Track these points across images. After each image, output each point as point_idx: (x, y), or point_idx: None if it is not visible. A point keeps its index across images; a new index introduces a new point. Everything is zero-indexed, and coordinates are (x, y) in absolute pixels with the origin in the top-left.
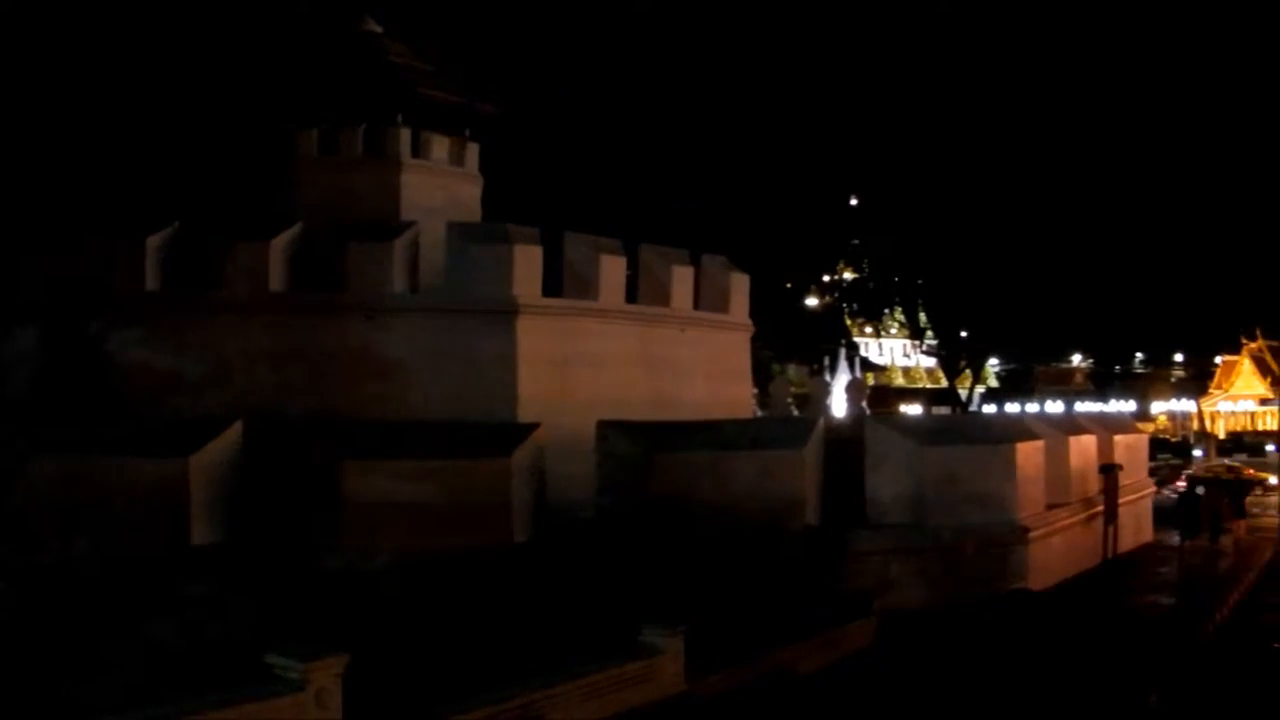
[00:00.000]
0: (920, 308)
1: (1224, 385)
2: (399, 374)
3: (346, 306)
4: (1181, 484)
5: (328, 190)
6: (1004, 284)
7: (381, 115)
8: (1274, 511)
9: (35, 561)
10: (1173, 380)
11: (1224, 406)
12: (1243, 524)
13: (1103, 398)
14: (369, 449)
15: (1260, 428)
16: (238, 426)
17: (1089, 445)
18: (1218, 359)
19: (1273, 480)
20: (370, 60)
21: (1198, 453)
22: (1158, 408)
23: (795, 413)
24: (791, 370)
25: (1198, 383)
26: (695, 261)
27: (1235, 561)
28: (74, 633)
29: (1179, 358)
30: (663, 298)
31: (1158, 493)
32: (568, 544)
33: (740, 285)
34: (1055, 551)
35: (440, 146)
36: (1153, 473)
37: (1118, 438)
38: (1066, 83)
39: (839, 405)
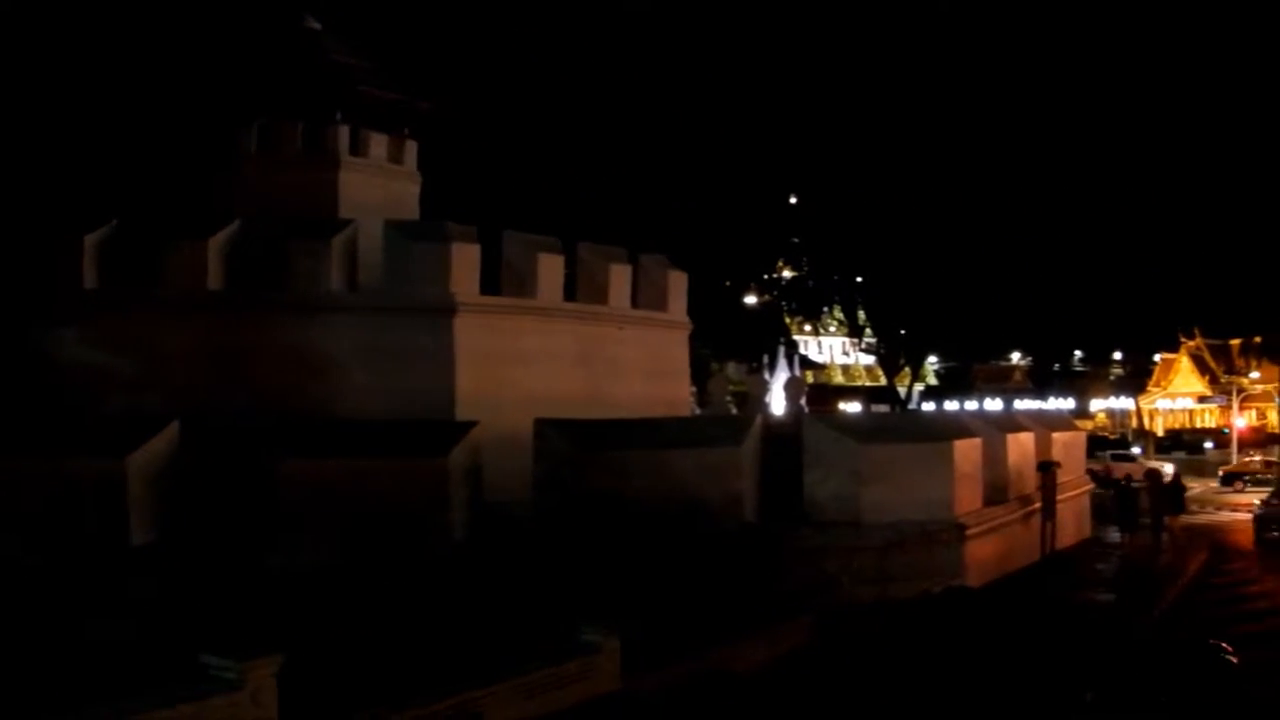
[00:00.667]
0: (859, 306)
1: (1163, 383)
2: (337, 372)
3: (285, 305)
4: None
5: (266, 188)
6: (943, 282)
7: (320, 113)
8: (1212, 508)
9: None
10: (1112, 378)
11: (1163, 404)
12: (1180, 520)
13: (1041, 395)
14: (307, 448)
15: (1199, 425)
16: (175, 426)
17: (1027, 443)
18: (1156, 357)
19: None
20: (309, 57)
21: (1136, 450)
22: (1097, 405)
23: (734, 411)
24: (731, 368)
25: (1136, 381)
26: (633, 260)
27: (1173, 557)
28: (10, 633)
29: (1118, 356)
30: (601, 296)
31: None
32: (505, 542)
33: (678, 283)
34: (993, 549)
35: (379, 144)
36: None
37: (1056, 435)
38: (1003, 81)
39: (778, 403)
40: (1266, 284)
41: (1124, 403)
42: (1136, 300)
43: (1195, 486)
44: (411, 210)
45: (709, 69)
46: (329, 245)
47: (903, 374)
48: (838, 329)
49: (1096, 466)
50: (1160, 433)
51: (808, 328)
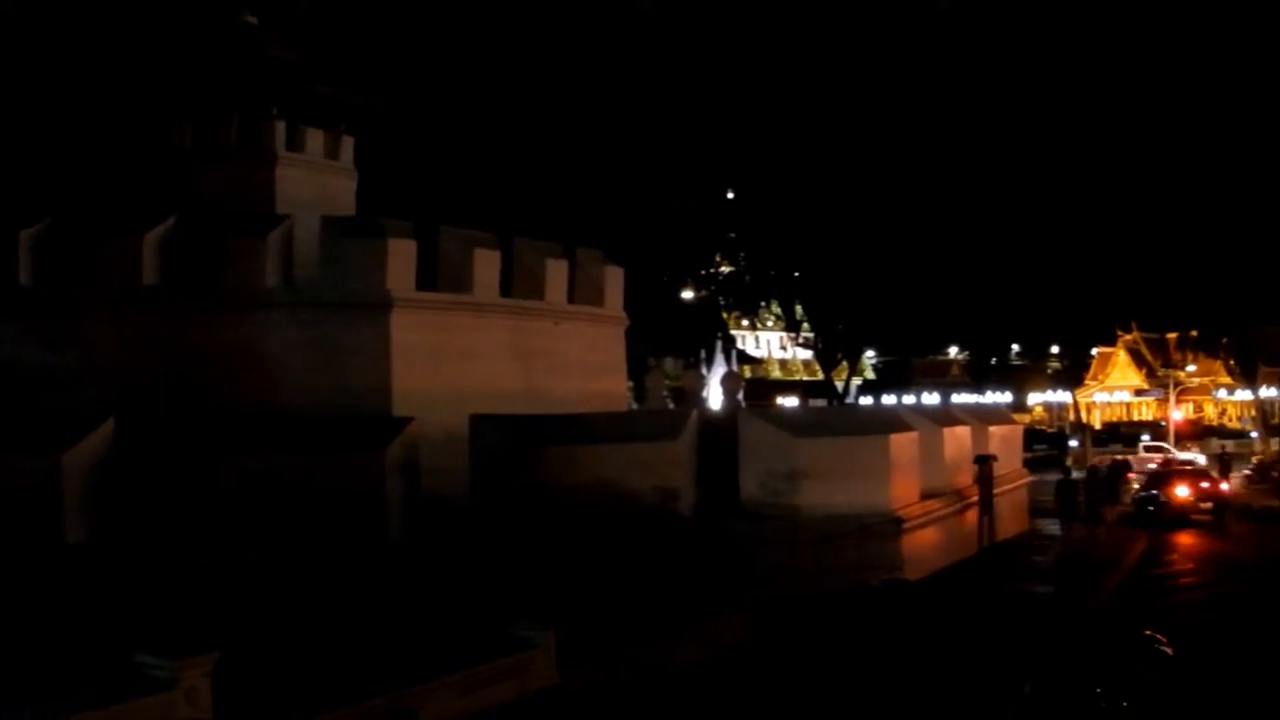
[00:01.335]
0: (796, 301)
1: (1100, 376)
2: (275, 368)
3: (221, 301)
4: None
5: (203, 183)
6: (880, 277)
7: (257, 108)
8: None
9: None
10: (1049, 372)
11: (1100, 397)
12: (1117, 511)
13: (979, 389)
14: (244, 444)
15: (1136, 418)
16: (110, 423)
17: (964, 436)
18: (1094, 351)
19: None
20: (247, 53)
21: (1073, 443)
22: (1034, 399)
23: (671, 406)
24: (668, 363)
25: (1074, 374)
26: (570, 255)
27: (1111, 548)
28: None
29: (1055, 350)
30: (537, 291)
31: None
32: (442, 537)
33: (615, 279)
34: (930, 541)
35: (315, 140)
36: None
37: (993, 429)
38: (936, 72)
39: (715, 398)
40: (1202, 278)
41: (1061, 396)
42: (1074, 295)
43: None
44: (348, 206)
45: (644, 64)
46: (265, 241)
47: (840, 368)
48: (775, 324)
49: (1128, 455)
50: (1098, 426)
51: (745, 323)
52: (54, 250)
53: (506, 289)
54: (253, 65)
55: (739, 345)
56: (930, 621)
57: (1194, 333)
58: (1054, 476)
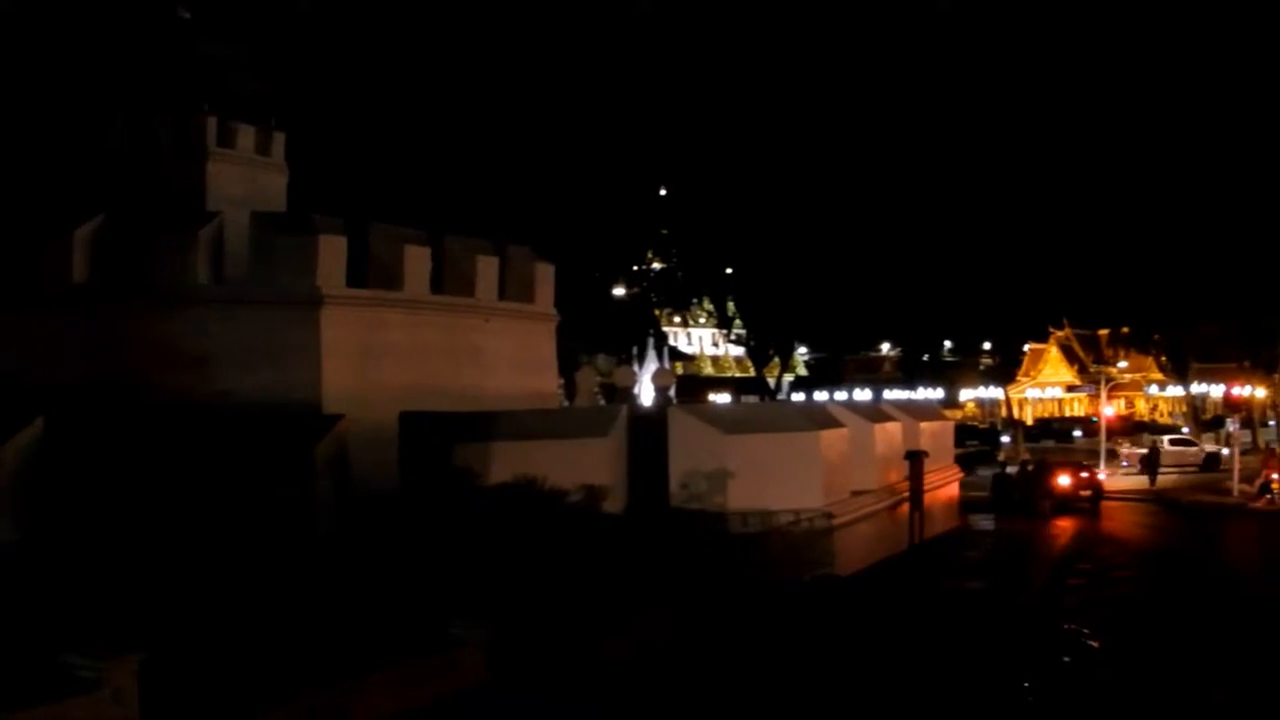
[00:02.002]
0: (728, 297)
1: (1032, 373)
2: (205, 365)
3: (151, 298)
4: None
5: (135, 179)
6: (812, 274)
7: (189, 103)
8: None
9: None
10: (981, 368)
11: (1032, 394)
12: (1046, 504)
13: (911, 386)
14: (173, 442)
15: (1068, 414)
16: (39, 422)
17: (894, 432)
18: (1026, 347)
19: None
20: (178, 48)
21: (1005, 439)
22: (966, 395)
23: (602, 402)
24: (600, 360)
25: (1006, 370)
26: (500, 252)
27: (1042, 543)
28: None
29: (987, 346)
30: (468, 288)
31: None
32: (373, 535)
33: (546, 275)
34: (861, 537)
35: (247, 136)
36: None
37: (924, 425)
38: (868, 69)
39: (646, 395)
40: (1133, 275)
41: (994, 392)
42: (1006, 291)
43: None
44: (279, 202)
45: (577, 59)
46: (195, 238)
47: (772, 365)
48: (707, 320)
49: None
50: (1030, 421)
51: (677, 319)
52: None
53: (437, 286)
54: (185, 60)
55: (671, 342)
56: (859, 617)
57: (1125, 329)
58: (988, 472)
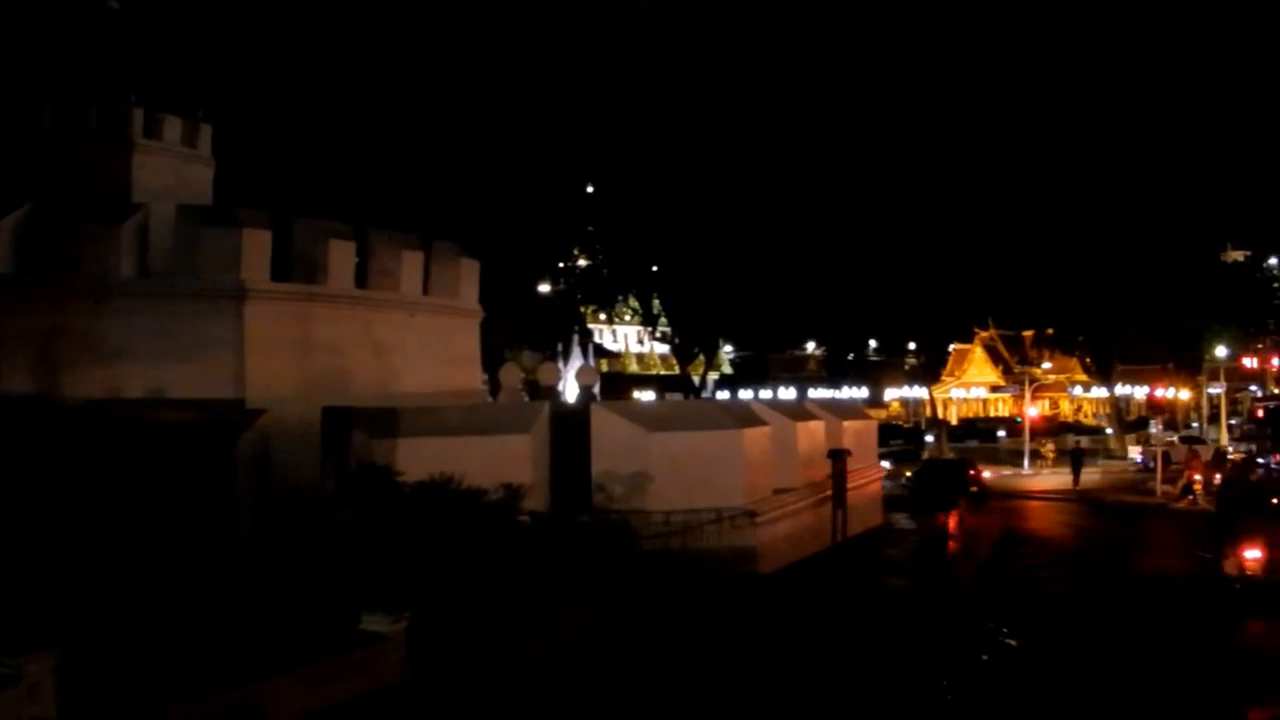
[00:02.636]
0: (654, 295)
1: (957, 373)
2: (129, 359)
3: (76, 290)
4: None
5: (62, 169)
6: (738, 272)
7: (116, 94)
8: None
9: None
10: (906, 368)
11: (957, 394)
12: (965, 502)
13: (836, 384)
14: (93, 436)
15: (992, 414)
16: None
17: (817, 431)
18: (951, 347)
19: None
20: (106, 38)
21: (929, 438)
22: (891, 394)
23: (526, 399)
24: (525, 356)
25: (931, 370)
26: (425, 247)
27: (966, 542)
28: None
29: (912, 346)
30: (392, 283)
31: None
32: (295, 531)
33: (470, 271)
34: (784, 535)
35: (173, 128)
36: None
37: (847, 424)
38: (793, 68)
39: (570, 392)
40: (1058, 276)
41: (918, 392)
42: (931, 291)
43: (989, 473)
44: (205, 195)
45: (502, 54)
46: (120, 230)
47: (697, 363)
48: (632, 318)
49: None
50: (954, 421)
51: (602, 317)
52: None
53: (361, 280)
54: (112, 50)
55: (596, 339)
56: (781, 615)
57: (1050, 330)
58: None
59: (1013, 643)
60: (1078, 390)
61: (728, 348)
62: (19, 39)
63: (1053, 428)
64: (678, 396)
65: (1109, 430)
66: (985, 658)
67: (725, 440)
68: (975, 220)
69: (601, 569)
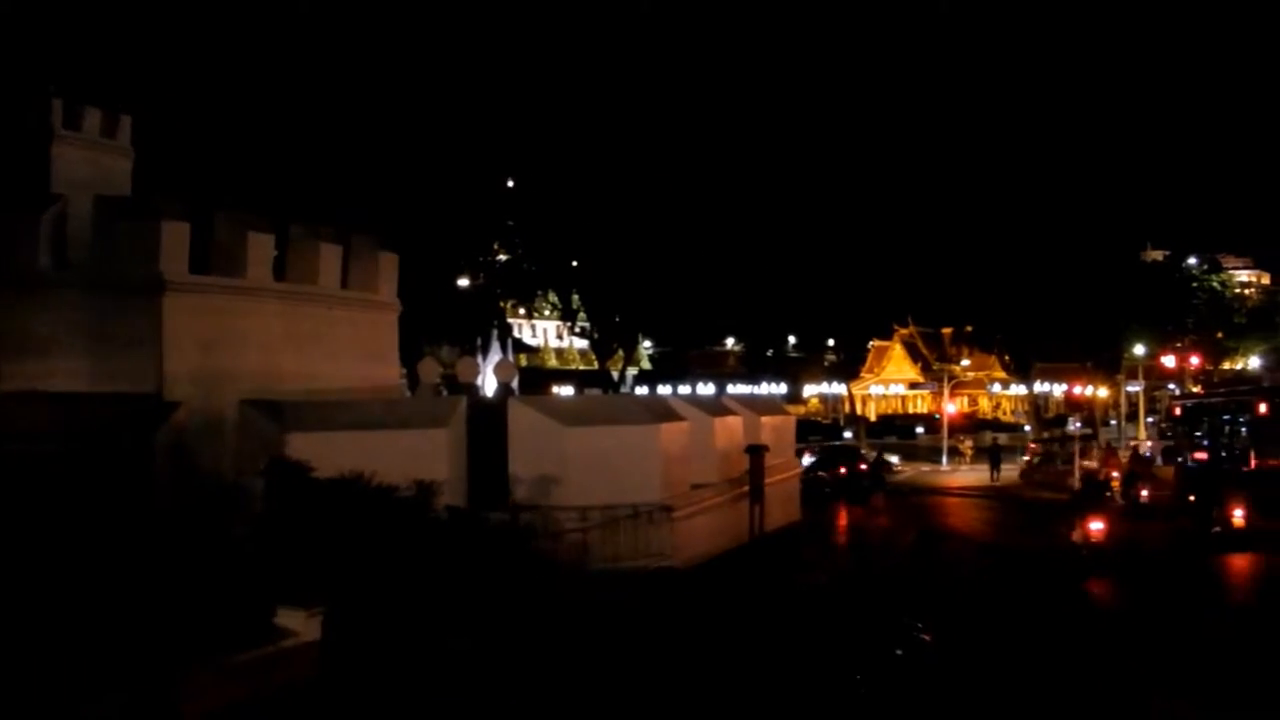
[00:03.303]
0: (573, 290)
1: (876, 369)
2: (48, 352)
3: None
4: None
5: None
6: (657, 268)
7: (35, 84)
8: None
9: None
10: (825, 364)
11: (876, 390)
12: (882, 496)
13: (755, 381)
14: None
15: (911, 411)
16: None
17: (735, 426)
18: (870, 344)
19: (895, 459)
20: (23, 27)
21: (848, 434)
22: (810, 391)
23: (444, 393)
24: (444, 351)
25: (850, 367)
26: (344, 240)
27: (883, 536)
28: None
29: (831, 342)
30: (311, 276)
31: None
32: (210, 525)
33: (389, 265)
34: (702, 530)
35: (93, 119)
36: None
37: (765, 419)
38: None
39: (489, 386)
40: (977, 274)
41: (837, 388)
42: (850, 288)
43: (906, 469)
44: (124, 186)
45: (422, 47)
46: (37, 221)
47: (616, 358)
48: (552, 313)
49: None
50: (873, 418)
51: (522, 311)
52: None
53: (280, 273)
54: (29, 39)
55: (515, 334)
56: (697, 610)
57: (969, 328)
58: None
59: (926, 637)
60: (996, 388)
61: (647, 343)
62: None
63: (971, 425)
64: (596, 392)
65: (1027, 428)
66: (899, 652)
67: (642, 435)
68: (895, 218)
69: (518, 565)
